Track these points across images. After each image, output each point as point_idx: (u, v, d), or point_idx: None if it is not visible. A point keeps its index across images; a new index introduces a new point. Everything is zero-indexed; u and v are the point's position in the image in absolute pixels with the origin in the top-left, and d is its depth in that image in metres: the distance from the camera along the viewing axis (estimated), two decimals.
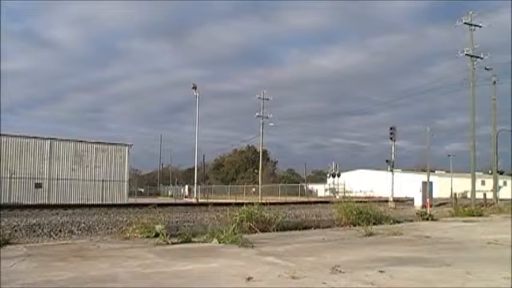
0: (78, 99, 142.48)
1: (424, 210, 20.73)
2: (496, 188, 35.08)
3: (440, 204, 30.21)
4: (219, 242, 9.71)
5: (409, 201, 32.00)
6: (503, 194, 40.11)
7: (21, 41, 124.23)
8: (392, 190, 32.89)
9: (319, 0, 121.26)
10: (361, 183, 67.18)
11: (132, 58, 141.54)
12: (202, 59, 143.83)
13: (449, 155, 66.26)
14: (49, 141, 33.80)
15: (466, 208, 23.16)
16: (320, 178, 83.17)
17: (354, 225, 14.17)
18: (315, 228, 13.95)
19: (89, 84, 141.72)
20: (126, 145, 37.28)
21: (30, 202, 28.54)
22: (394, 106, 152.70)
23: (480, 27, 32.12)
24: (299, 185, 66.55)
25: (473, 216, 21.15)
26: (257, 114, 59.60)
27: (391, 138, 33.66)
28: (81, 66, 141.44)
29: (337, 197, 50.35)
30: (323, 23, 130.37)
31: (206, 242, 9.90)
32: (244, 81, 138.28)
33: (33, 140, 33.17)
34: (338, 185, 61.17)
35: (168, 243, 9.49)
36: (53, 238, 10.61)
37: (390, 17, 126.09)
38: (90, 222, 12.32)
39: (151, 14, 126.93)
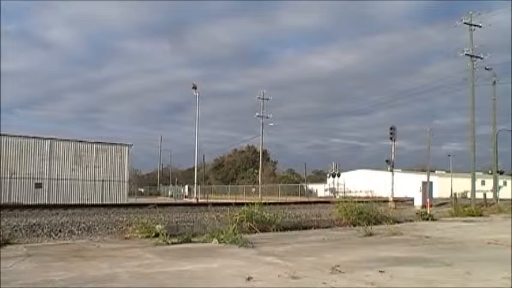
0: (77, 99, 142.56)
1: (424, 210, 20.75)
2: (496, 188, 35.08)
3: (440, 204, 30.21)
4: (219, 242, 9.71)
5: (409, 201, 31.99)
6: (503, 194, 40.11)
7: (18, 41, 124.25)
8: (392, 190, 32.84)
9: (317, 0, 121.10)
10: (361, 183, 67.08)
11: (130, 58, 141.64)
12: (200, 59, 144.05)
13: (449, 155, 66.43)
14: (49, 141, 33.80)
15: (466, 208, 23.17)
16: (320, 178, 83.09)
17: (354, 225, 14.18)
18: (315, 228, 13.94)
19: (87, 85, 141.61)
20: (126, 145, 37.29)
21: (30, 202, 28.51)
22: (392, 106, 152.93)
23: (480, 27, 32.05)
24: (299, 185, 66.53)
25: (473, 216, 21.16)
26: (257, 114, 59.71)
27: (391, 138, 33.56)
28: (79, 66, 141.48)
29: (337, 197, 50.36)
30: (320, 22, 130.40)
31: (206, 242, 9.90)
32: (243, 81, 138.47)
33: (33, 140, 33.17)
34: (338, 185, 61.17)
35: (168, 243, 9.48)
36: (53, 238, 10.59)
37: (387, 16, 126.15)
38: (90, 222, 12.29)
39: (149, 14, 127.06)
